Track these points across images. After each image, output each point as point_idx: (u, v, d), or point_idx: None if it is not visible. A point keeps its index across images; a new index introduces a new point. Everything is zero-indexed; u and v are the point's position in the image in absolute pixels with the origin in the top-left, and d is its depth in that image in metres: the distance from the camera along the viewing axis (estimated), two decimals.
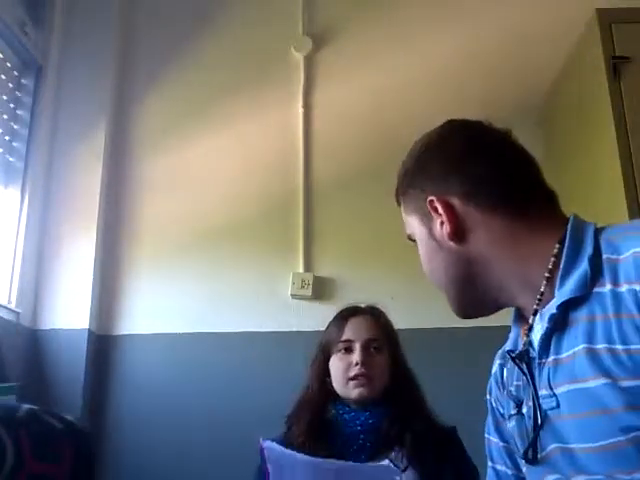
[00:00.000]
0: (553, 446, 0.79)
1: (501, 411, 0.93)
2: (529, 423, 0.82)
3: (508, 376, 0.90)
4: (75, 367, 2.30)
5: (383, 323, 1.61)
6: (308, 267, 2.48)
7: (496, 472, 0.95)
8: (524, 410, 0.84)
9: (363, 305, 1.66)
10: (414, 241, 0.92)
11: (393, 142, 2.59)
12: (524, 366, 0.82)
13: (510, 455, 0.93)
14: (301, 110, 2.67)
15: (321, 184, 2.59)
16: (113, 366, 2.40)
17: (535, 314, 0.81)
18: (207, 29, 2.80)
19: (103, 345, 2.41)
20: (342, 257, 2.50)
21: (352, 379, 1.52)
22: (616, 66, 2.07)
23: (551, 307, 0.77)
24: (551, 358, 0.78)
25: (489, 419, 0.97)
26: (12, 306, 2.28)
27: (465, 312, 0.90)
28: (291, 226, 2.53)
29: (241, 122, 2.68)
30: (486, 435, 0.98)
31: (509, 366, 0.89)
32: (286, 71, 2.74)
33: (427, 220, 0.87)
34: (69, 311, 2.38)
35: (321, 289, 2.45)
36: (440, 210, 0.84)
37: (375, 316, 1.61)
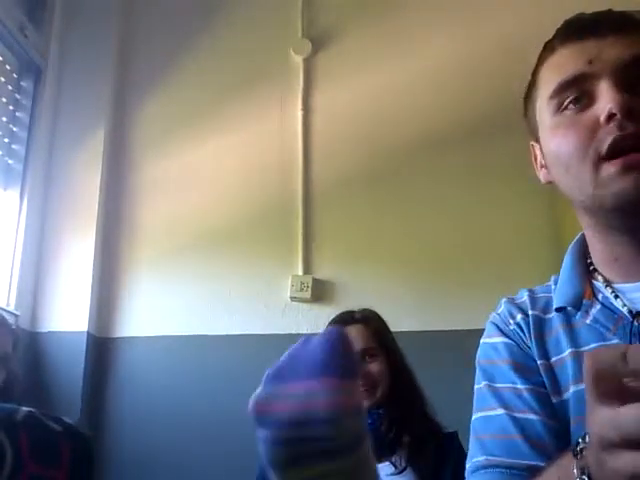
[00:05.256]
0: None
1: (534, 357, 0.80)
2: None
3: (549, 341, 0.80)
4: (74, 370, 2.30)
5: (375, 329, 1.60)
6: (307, 270, 2.48)
7: (515, 420, 0.76)
8: None
9: (356, 311, 1.65)
10: None
11: (392, 145, 2.60)
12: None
13: (540, 400, 0.77)
14: (300, 113, 2.67)
15: (320, 187, 2.59)
16: (112, 369, 2.40)
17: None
18: (206, 31, 2.80)
19: (102, 348, 2.41)
20: (341, 260, 2.50)
21: None
22: None
23: None
24: None
25: (504, 368, 0.83)
26: (11, 308, 2.28)
27: None
28: (290, 229, 2.53)
29: (240, 124, 2.68)
30: (491, 384, 0.83)
31: (556, 327, 0.80)
32: (285, 74, 2.73)
33: None
34: (68, 313, 2.38)
35: (320, 292, 2.45)
36: None
37: (366, 323, 1.60)
